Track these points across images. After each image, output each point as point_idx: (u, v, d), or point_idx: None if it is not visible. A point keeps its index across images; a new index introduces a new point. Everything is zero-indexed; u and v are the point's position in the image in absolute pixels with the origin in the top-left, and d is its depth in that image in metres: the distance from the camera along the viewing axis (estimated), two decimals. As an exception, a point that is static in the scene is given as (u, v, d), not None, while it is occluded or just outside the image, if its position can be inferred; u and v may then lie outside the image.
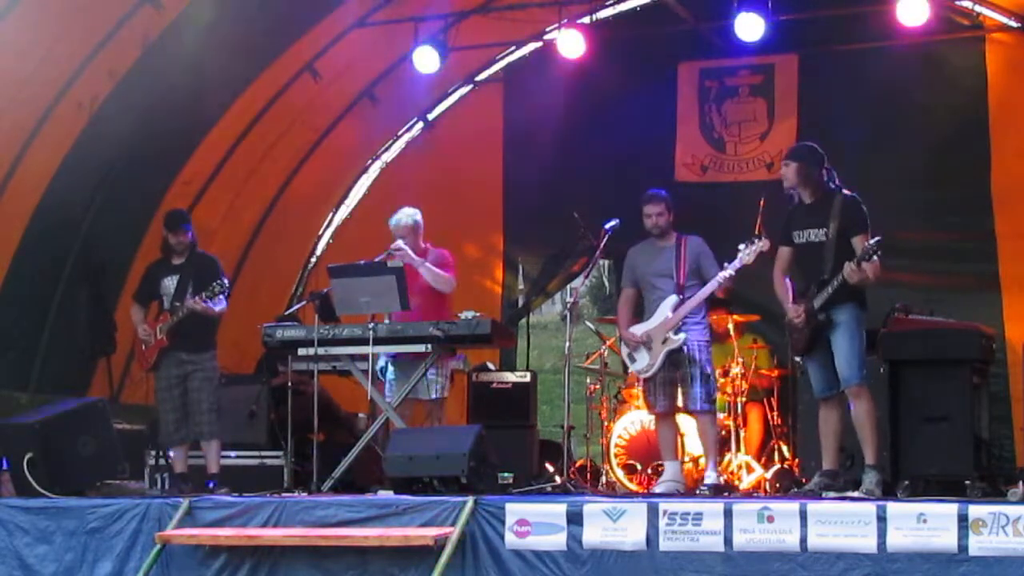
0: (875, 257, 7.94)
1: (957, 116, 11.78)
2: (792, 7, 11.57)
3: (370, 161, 13.77)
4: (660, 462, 10.01)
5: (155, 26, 10.49)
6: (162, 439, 9.70)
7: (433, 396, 9.62)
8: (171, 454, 9.68)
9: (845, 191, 8.30)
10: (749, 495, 9.37)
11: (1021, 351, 10.05)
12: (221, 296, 9.39)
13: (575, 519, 7.48)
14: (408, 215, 9.92)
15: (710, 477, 9.05)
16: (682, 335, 9.04)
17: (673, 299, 9.10)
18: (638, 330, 9.20)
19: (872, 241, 7.95)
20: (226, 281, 9.46)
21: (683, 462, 9.75)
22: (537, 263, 13.24)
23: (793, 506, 7.21)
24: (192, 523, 8.18)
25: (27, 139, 10.37)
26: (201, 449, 9.53)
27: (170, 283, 9.57)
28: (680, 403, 9.21)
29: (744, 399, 10.57)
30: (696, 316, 9.11)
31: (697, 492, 8.97)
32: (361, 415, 11.09)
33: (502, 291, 13.31)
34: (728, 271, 8.94)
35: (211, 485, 9.30)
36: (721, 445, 9.93)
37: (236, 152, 12.19)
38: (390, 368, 9.80)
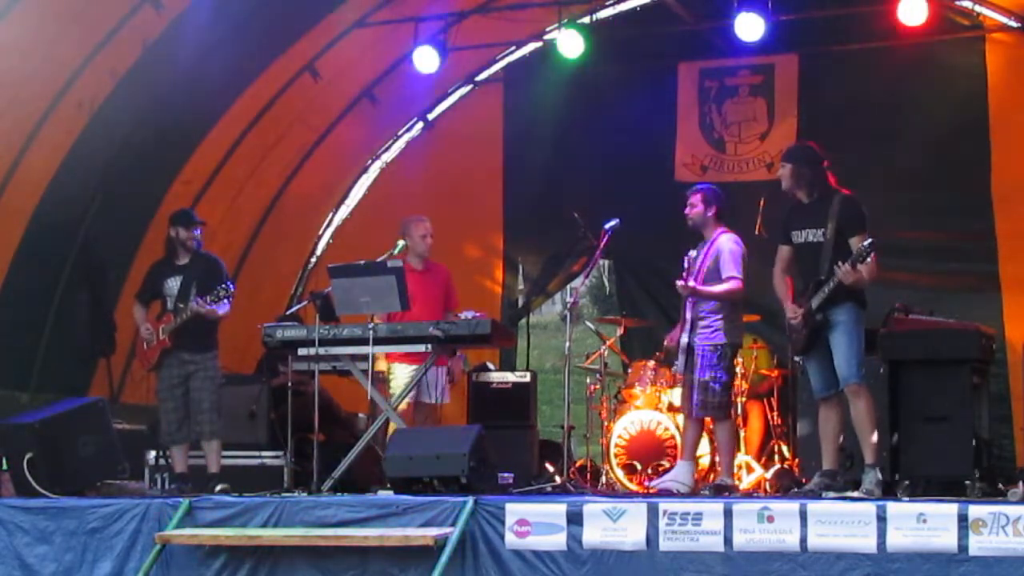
0: (869, 258, 7.92)
1: (957, 116, 11.77)
2: (792, 7, 11.57)
3: (370, 161, 13.77)
4: (660, 462, 10.02)
5: (155, 26, 10.49)
6: (163, 439, 9.70)
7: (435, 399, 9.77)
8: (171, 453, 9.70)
9: (843, 191, 8.29)
10: (749, 495, 9.36)
11: (1021, 351, 10.05)
12: (225, 300, 9.40)
13: (575, 519, 7.48)
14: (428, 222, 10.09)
15: (721, 479, 9.07)
16: (686, 338, 9.02)
17: (687, 302, 9.10)
18: (676, 332, 9.23)
19: (865, 243, 7.93)
20: (231, 286, 9.45)
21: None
22: (537, 263, 13.24)
23: (793, 506, 7.21)
24: (192, 523, 8.18)
25: (27, 139, 10.36)
26: (201, 449, 9.53)
27: (173, 284, 9.56)
28: None
29: (744, 399, 10.57)
30: (706, 320, 9.02)
31: (700, 492, 8.98)
32: (361, 415, 11.09)
33: (502, 291, 13.30)
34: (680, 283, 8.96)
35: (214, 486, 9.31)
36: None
37: (236, 152, 12.19)
38: (396, 369, 9.84)
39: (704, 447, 10.08)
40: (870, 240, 7.94)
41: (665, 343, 9.41)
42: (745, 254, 9.08)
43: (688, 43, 12.55)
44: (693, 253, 9.18)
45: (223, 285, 9.38)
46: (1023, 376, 9.87)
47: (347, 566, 7.77)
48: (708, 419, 9.25)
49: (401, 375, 9.87)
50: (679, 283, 8.88)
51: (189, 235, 9.57)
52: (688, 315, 9.06)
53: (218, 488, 9.06)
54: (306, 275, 13.78)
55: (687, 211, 9.21)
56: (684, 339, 9.05)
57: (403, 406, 9.65)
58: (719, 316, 9.05)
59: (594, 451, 11.31)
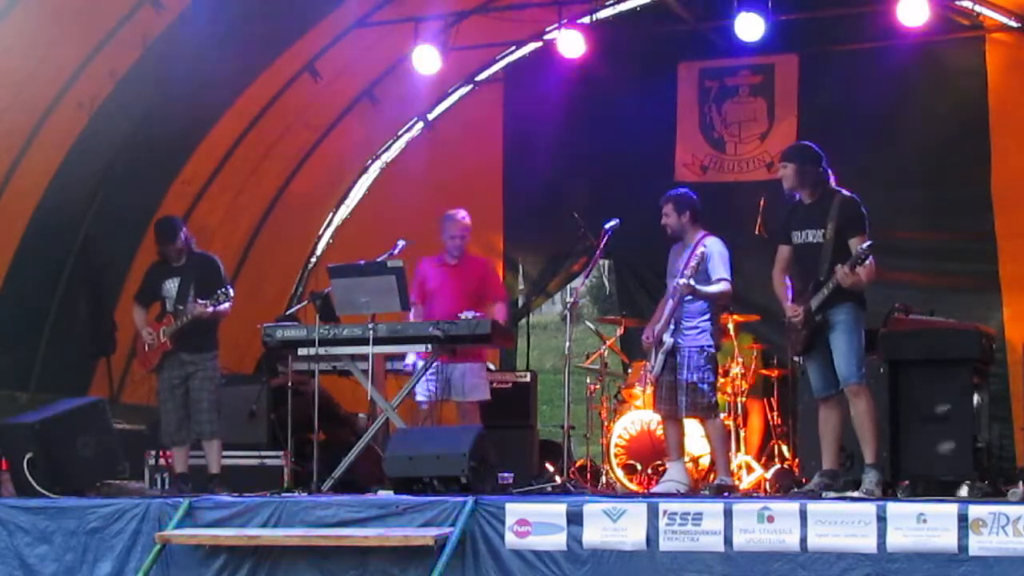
0: (867, 261, 7.92)
1: (957, 116, 11.78)
2: (792, 7, 11.58)
3: (370, 161, 13.78)
4: (660, 462, 10.02)
5: (155, 26, 10.49)
6: (164, 440, 9.70)
7: (472, 398, 9.76)
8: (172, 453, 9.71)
9: (844, 191, 8.28)
10: (749, 495, 9.37)
11: (1021, 351, 10.06)
12: (225, 302, 9.40)
13: (575, 519, 7.47)
14: (466, 216, 10.02)
15: (719, 480, 9.06)
16: (671, 339, 9.00)
17: (669, 302, 9.08)
18: (649, 332, 9.21)
19: (864, 245, 7.92)
20: (230, 290, 9.45)
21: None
22: (537, 263, 13.25)
23: (793, 506, 7.20)
24: (192, 523, 8.17)
25: (27, 139, 10.37)
26: (202, 449, 9.54)
27: (172, 285, 9.55)
28: None
29: (744, 399, 10.57)
30: (692, 321, 9.02)
31: (700, 492, 8.99)
32: (361, 415, 11.09)
33: (502, 291, 13.31)
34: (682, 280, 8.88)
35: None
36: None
37: (236, 152, 12.19)
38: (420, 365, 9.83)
39: (704, 447, 10.09)
40: (869, 243, 7.93)
41: (643, 342, 9.35)
42: (730, 257, 9.08)
43: (688, 43, 12.56)
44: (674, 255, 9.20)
45: (222, 289, 9.38)
46: (1023, 376, 9.87)
47: (347, 566, 7.76)
48: (699, 419, 9.27)
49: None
50: (680, 281, 8.86)
51: (167, 250, 9.56)
52: (668, 315, 9.03)
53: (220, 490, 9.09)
54: (306, 275, 13.79)
55: (663, 221, 9.19)
56: (668, 339, 9.02)
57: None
58: (706, 318, 9.05)
59: (594, 451, 11.31)
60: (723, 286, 8.98)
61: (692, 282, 8.82)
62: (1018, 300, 11.33)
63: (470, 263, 10.10)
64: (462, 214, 10.03)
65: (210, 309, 9.32)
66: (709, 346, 9.05)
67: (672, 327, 9.01)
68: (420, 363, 9.63)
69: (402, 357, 9.95)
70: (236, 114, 11.90)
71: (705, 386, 9.01)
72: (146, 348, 9.57)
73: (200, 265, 9.60)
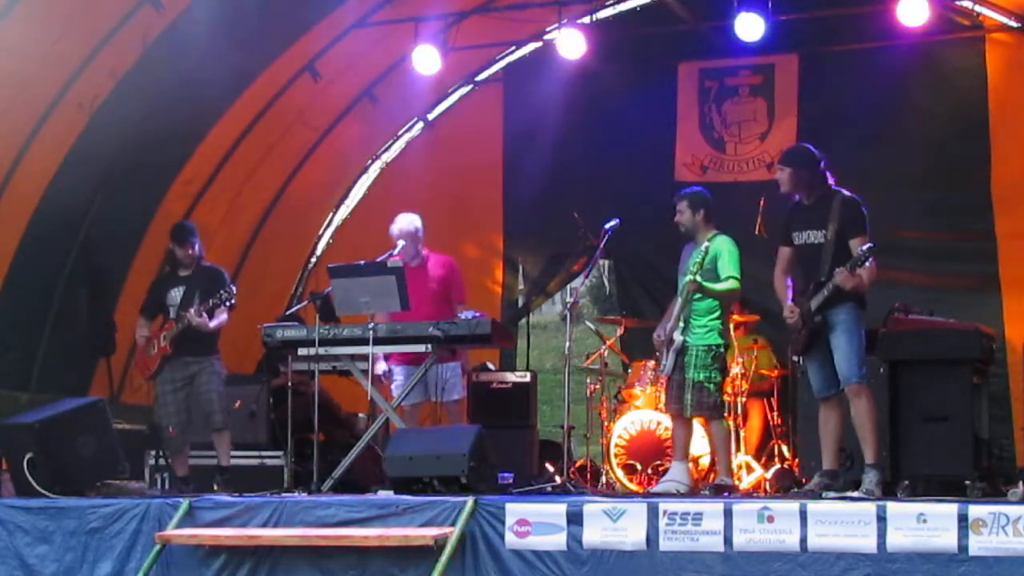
0: (867, 263, 7.92)
1: (957, 116, 11.78)
2: (792, 7, 11.58)
3: (370, 161, 13.77)
4: (660, 462, 10.01)
5: (155, 26, 10.49)
6: (165, 445, 9.72)
7: (455, 397, 9.74)
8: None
9: (845, 192, 8.28)
10: (749, 495, 9.36)
11: (1021, 351, 10.06)
12: (224, 307, 9.40)
13: (575, 519, 7.48)
14: (408, 221, 9.93)
15: (719, 480, 9.06)
16: (680, 337, 8.99)
17: (678, 300, 9.08)
18: (660, 331, 9.21)
19: (865, 247, 7.92)
20: (233, 288, 9.47)
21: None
22: (537, 263, 13.24)
23: (793, 506, 7.21)
24: (192, 523, 8.18)
25: (27, 139, 10.37)
26: (202, 449, 9.54)
27: (176, 293, 9.61)
28: None
29: (744, 399, 10.56)
30: (701, 319, 8.99)
31: (700, 492, 8.98)
32: (361, 415, 11.10)
33: (502, 291, 13.31)
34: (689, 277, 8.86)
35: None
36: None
37: (236, 152, 12.19)
38: (396, 370, 9.84)
39: (704, 447, 10.09)
40: (869, 245, 7.93)
41: (654, 340, 9.34)
42: (739, 256, 9.07)
43: (688, 43, 12.56)
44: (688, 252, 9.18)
45: (225, 289, 9.40)
46: (1023, 376, 9.87)
47: (347, 566, 7.77)
48: (702, 419, 9.25)
49: (401, 377, 9.87)
50: (687, 278, 8.85)
51: (184, 252, 9.60)
52: (678, 313, 9.02)
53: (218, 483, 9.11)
54: (306, 275, 13.78)
55: (676, 218, 9.17)
56: (678, 337, 9.01)
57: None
58: (715, 316, 9.03)
59: (594, 451, 11.31)
60: (731, 284, 8.96)
61: (699, 278, 8.82)
62: (1018, 300, 11.33)
63: (431, 265, 9.97)
64: (398, 218, 9.92)
65: (203, 317, 9.32)
66: (717, 345, 9.03)
67: (681, 325, 9.00)
68: (394, 368, 9.79)
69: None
70: (236, 114, 11.90)
71: (711, 385, 8.98)
72: (145, 354, 9.60)
73: (206, 275, 9.63)
